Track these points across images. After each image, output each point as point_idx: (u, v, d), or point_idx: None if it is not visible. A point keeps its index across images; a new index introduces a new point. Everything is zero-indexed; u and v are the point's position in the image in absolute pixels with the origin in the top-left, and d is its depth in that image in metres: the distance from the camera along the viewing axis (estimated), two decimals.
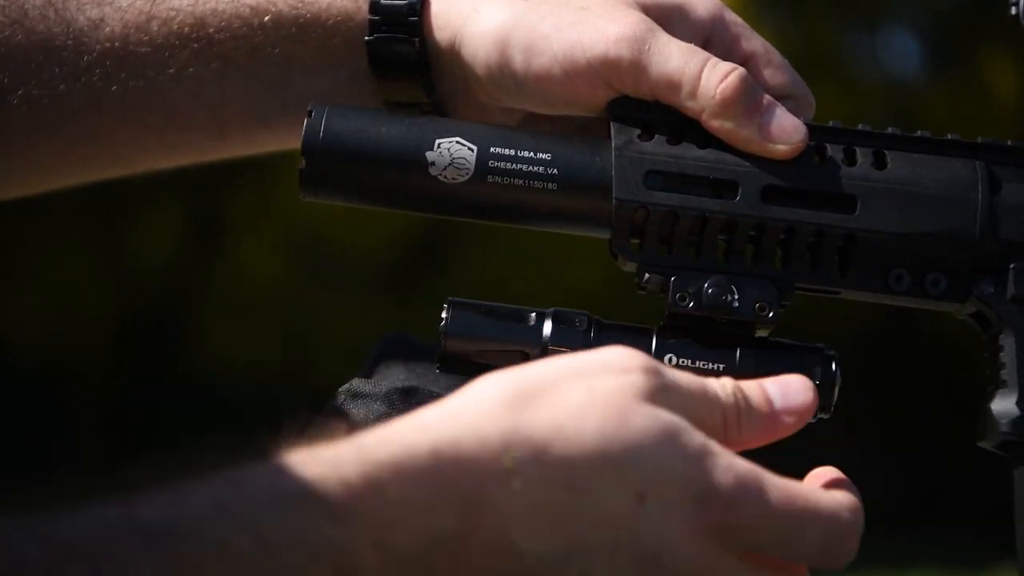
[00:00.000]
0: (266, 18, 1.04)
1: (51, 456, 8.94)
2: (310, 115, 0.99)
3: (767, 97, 0.99)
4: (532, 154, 0.98)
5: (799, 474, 0.88)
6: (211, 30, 1.04)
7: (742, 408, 0.84)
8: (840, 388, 0.97)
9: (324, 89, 1.05)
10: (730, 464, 0.79)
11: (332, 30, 1.04)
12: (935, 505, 9.67)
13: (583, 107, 1.01)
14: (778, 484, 0.80)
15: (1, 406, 8.77)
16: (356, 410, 0.94)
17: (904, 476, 9.86)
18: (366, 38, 1.03)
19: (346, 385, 0.95)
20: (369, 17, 1.03)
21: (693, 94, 0.97)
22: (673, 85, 0.98)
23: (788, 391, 0.87)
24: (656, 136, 0.98)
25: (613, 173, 0.97)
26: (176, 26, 1.04)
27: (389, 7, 1.02)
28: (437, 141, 0.98)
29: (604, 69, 0.98)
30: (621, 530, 0.77)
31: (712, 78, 0.97)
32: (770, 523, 0.80)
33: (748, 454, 0.86)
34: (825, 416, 0.97)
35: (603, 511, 0.76)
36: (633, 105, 0.99)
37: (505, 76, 1.00)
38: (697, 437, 0.79)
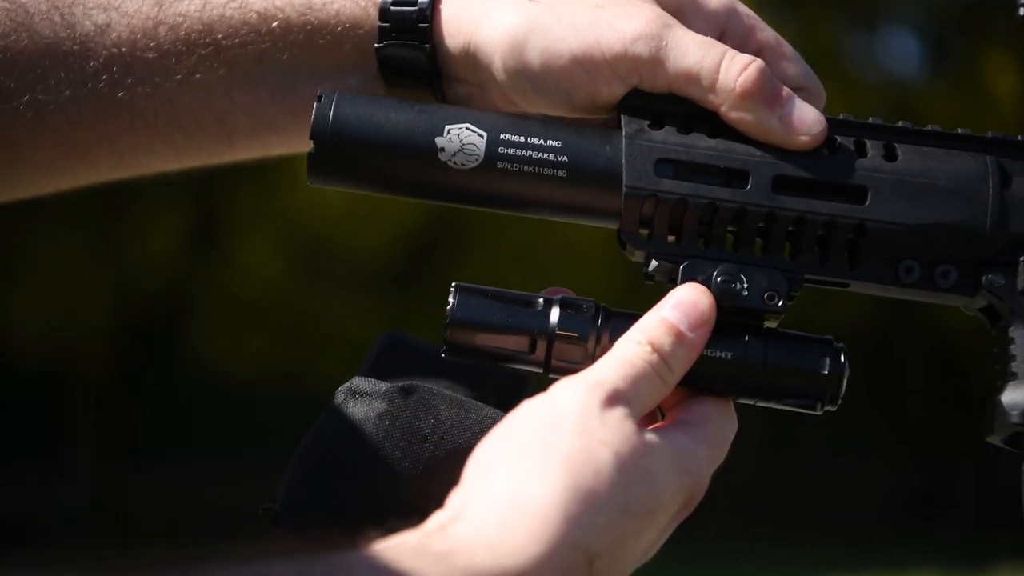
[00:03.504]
0: (274, 24, 1.03)
1: (51, 457, 8.95)
2: (319, 100, 0.98)
3: (786, 89, 0.99)
4: (542, 141, 0.97)
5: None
6: (218, 36, 1.03)
7: (667, 359, 0.93)
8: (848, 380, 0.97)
9: None
10: (693, 472, 0.92)
11: (342, 37, 1.03)
12: (935, 505, 9.67)
13: (600, 107, 1.00)
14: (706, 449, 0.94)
15: (1, 408, 8.77)
16: (356, 408, 0.94)
17: (905, 477, 9.86)
18: (376, 45, 1.02)
19: (346, 384, 0.95)
20: (379, 24, 1.02)
21: (712, 87, 0.97)
22: (692, 79, 0.98)
23: (687, 309, 0.95)
24: (666, 126, 0.98)
25: (623, 161, 0.97)
26: (183, 32, 1.04)
27: (399, 13, 1.02)
28: (447, 127, 0.97)
29: (623, 68, 0.98)
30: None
31: (731, 71, 0.97)
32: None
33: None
34: (832, 408, 0.97)
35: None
36: (642, 96, 0.99)
37: (523, 79, 1.00)
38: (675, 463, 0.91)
